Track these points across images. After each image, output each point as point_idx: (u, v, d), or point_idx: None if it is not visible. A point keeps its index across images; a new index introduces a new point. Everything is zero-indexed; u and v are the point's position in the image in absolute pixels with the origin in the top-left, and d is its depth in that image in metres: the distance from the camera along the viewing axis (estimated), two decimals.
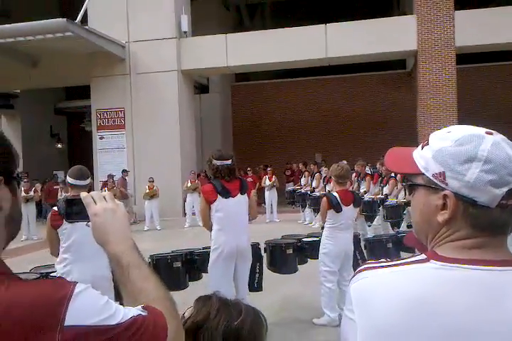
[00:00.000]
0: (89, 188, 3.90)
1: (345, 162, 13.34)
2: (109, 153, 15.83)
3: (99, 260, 3.74)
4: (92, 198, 1.11)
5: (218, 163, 4.22)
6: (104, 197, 1.12)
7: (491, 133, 0.91)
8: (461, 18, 13.67)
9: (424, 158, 0.94)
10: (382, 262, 0.95)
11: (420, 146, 0.98)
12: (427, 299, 0.86)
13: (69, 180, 3.76)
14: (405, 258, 0.94)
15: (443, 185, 0.90)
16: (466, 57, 15.79)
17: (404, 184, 8.97)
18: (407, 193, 1.05)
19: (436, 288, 0.86)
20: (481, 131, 0.91)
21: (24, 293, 0.82)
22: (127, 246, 1.06)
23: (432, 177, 0.92)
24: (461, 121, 14.07)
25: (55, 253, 3.82)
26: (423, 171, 0.94)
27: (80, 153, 20.94)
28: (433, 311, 0.85)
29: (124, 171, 14.20)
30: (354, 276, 0.96)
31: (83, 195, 1.12)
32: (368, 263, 0.97)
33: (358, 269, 0.97)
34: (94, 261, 3.70)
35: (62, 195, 12.75)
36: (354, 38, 14.05)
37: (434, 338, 0.84)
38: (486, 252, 0.89)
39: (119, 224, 1.09)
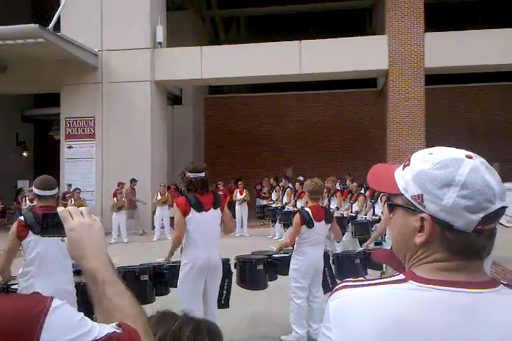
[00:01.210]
0: (57, 199, 3.79)
1: (301, 178, 13.55)
2: (77, 162, 15.50)
3: (62, 274, 3.64)
4: (69, 213, 1.10)
5: (192, 175, 4.16)
6: (81, 212, 1.11)
7: (471, 157, 0.91)
8: (431, 40, 14.11)
9: (404, 179, 0.95)
10: (360, 281, 0.95)
11: (402, 166, 0.98)
12: (404, 319, 0.86)
13: (35, 190, 3.64)
14: (384, 278, 0.94)
15: (421, 208, 0.91)
16: (433, 78, 16.26)
17: (373, 201, 9.09)
18: (388, 212, 1.06)
19: (413, 308, 0.87)
20: (461, 154, 0.92)
21: (0, 307, 0.81)
22: (103, 262, 1.06)
23: (410, 199, 0.93)
24: (429, 139, 14.43)
25: (7, 265, 3.62)
26: (402, 192, 0.94)
27: (46, 162, 20.42)
28: (410, 331, 0.85)
29: (133, 180, 14.00)
30: (332, 294, 0.95)
31: (60, 209, 1.11)
32: (347, 282, 0.96)
33: (337, 287, 0.96)
34: (58, 275, 3.60)
35: (26, 205, 12.36)
36: (327, 56, 14.29)
37: None
38: (463, 274, 0.90)
39: (95, 240, 1.09)
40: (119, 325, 0.90)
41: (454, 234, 0.89)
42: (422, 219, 0.90)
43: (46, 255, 3.54)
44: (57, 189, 3.75)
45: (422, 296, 0.87)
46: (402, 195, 0.94)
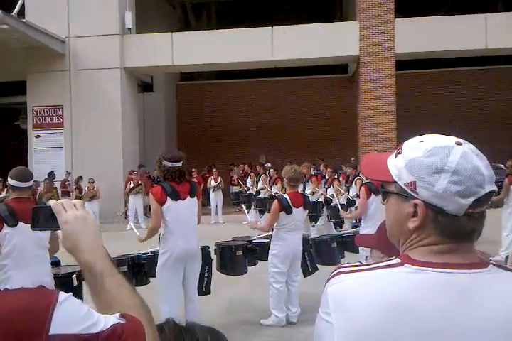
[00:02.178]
0: (33, 190, 3.70)
1: (268, 164, 13.52)
2: (46, 152, 15.16)
3: (40, 266, 3.59)
4: (62, 206, 1.08)
5: (169, 164, 4.13)
6: (75, 205, 1.10)
7: (461, 144, 0.94)
8: (401, 26, 14.24)
9: (397, 166, 0.97)
10: (357, 266, 0.98)
11: (394, 154, 1.01)
12: (403, 302, 0.89)
13: (11, 182, 3.56)
14: (380, 262, 0.97)
15: (414, 194, 0.94)
16: (405, 63, 16.46)
17: (347, 185, 9.22)
18: (381, 199, 1.12)
19: (412, 291, 0.90)
20: (451, 141, 0.95)
21: (8, 301, 0.82)
22: (99, 254, 1.05)
23: (403, 186, 0.96)
24: (400, 124, 14.65)
25: None
26: (396, 179, 0.97)
27: (12, 151, 19.94)
28: (409, 313, 0.88)
29: (142, 166, 14.26)
30: (330, 279, 0.97)
31: (52, 202, 1.10)
32: (344, 267, 0.98)
33: (334, 273, 0.98)
34: (36, 266, 3.55)
35: None
36: (300, 42, 14.27)
37: (412, 338, 0.88)
38: (456, 256, 0.93)
39: (90, 232, 1.08)
40: (122, 316, 0.90)
41: (445, 218, 0.92)
42: (415, 205, 0.93)
43: (23, 247, 3.47)
44: (32, 181, 3.67)
45: (419, 279, 0.91)
46: (396, 182, 0.97)
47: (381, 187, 1.04)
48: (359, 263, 0.99)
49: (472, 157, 0.92)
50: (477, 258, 0.95)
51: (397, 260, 0.95)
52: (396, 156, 0.99)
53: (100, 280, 1.00)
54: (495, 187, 0.93)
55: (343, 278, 0.95)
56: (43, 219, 1.10)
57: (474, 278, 0.91)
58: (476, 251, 0.97)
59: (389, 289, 0.90)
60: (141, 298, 1.03)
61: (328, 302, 0.94)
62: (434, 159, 0.92)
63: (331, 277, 0.98)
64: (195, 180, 13.67)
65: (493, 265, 0.95)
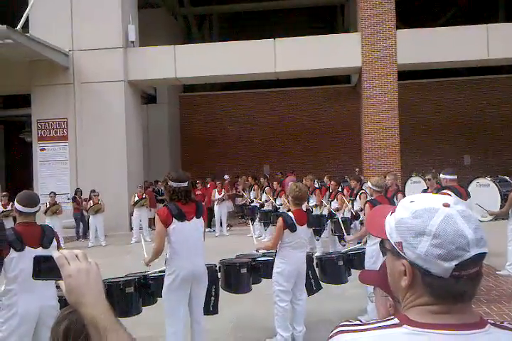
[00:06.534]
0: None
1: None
2: (51, 165, 15.22)
3: (46, 290, 3.59)
4: (65, 258, 1.08)
5: (175, 184, 4.13)
6: (77, 256, 1.09)
7: (448, 205, 0.94)
8: (403, 37, 14.31)
9: (390, 225, 1.00)
10: (356, 324, 0.98)
11: (391, 212, 1.03)
12: None
13: (18, 207, 3.56)
14: (380, 321, 0.97)
15: (402, 254, 0.96)
16: (407, 73, 16.50)
17: (352, 199, 9.19)
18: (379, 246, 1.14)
19: None
20: (438, 203, 0.95)
21: None
22: (103, 309, 1.04)
23: (394, 245, 0.98)
24: (403, 133, 14.65)
25: None
26: (388, 237, 0.99)
27: (18, 165, 20.03)
28: None
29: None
30: (330, 338, 0.98)
31: (55, 255, 1.09)
32: (344, 326, 0.99)
33: (333, 332, 0.99)
34: (42, 291, 3.54)
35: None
36: (301, 54, 14.35)
37: None
38: (453, 317, 0.93)
39: (94, 286, 1.07)
40: None
41: (433, 279, 0.93)
42: (403, 264, 0.95)
43: (29, 272, 3.46)
44: (39, 206, 3.68)
45: (417, 340, 0.91)
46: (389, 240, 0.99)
47: (380, 242, 1.06)
48: (359, 322, 0.99)
49: (457, 219, 0.92)
50: (475, 318, 0.95)
51: (396, 320, 0.96)
52: (391, 214, 1.01)
53: (104, 336, 0.99)
54: (484, 250, 0.93)
55: (342, 338, 0.96)
56: (45, 269, 1.09)
57: (472, 340, 0.90)
58: (473, 311, 0.96)
59: None
60: None
61: None
62: (417, 221, 0.94)
63: (331, 337, 0.98)
64: (199, 192, 13.71)
65: (491, 324, 0.95)
